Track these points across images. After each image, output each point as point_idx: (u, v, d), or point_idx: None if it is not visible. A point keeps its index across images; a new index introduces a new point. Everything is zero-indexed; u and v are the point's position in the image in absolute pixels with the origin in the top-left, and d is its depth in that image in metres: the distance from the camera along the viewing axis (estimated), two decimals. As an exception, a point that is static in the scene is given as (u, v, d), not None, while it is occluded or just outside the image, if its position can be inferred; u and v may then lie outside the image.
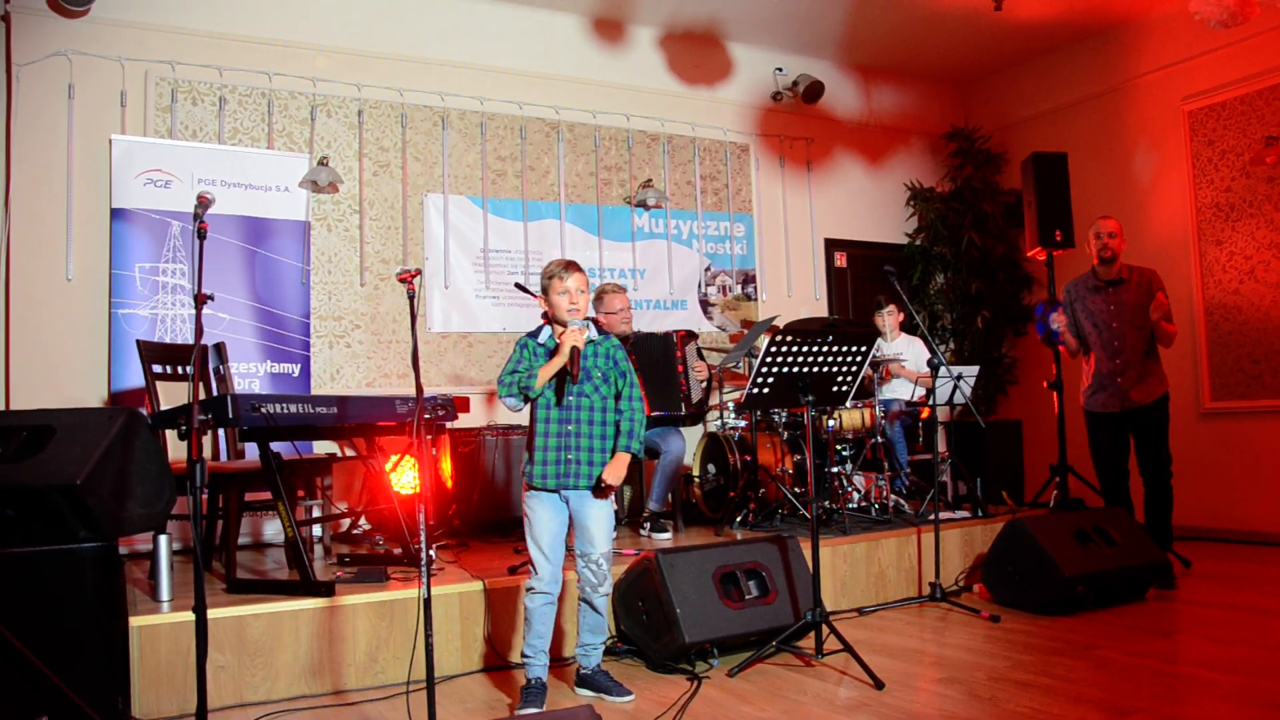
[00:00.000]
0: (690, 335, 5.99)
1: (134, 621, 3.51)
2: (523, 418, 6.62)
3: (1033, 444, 8.26)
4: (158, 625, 3.57)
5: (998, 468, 7.70)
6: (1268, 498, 6.70)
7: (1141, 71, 7.72)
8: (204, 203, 3.22)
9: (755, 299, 8.00)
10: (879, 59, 8.55)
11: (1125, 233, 5.64)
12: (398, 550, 4.89)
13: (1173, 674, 3.67)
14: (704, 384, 5.94)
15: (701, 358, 6.02)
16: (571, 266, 3.55)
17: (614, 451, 3.57)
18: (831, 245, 8.48)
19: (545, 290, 3.57)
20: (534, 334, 3.59)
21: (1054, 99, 8.43)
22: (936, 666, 3.89)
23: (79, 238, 5.75)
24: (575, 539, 3.60)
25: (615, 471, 3.54)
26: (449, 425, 5.74)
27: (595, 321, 3.65)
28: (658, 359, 5.78)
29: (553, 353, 3.48)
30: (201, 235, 3.16)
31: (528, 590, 3.53)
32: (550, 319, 3.59)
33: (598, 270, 7.31)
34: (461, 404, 5.23)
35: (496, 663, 4.09)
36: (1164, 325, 5.37)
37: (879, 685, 3.58)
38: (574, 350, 3.41)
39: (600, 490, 3.53)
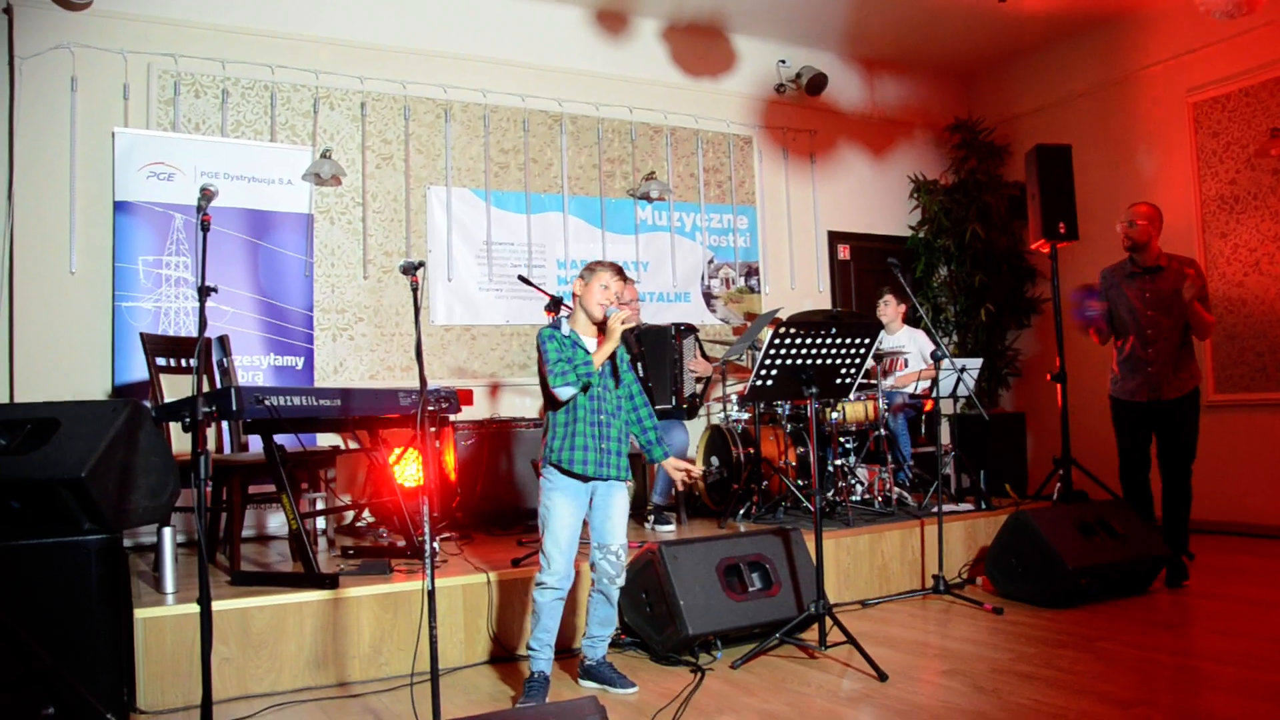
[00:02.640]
0: (689, 329, 5.98)
1: (139, 613, 3.53)
2: (526, 409, 6.68)
3: (1036, 436, 8.26)
4: (162, 617, 3.58)
5: (1001, 460, 7.70)
6: (1272, 490, 6.69)
7: (1146, 63, 7.70)
8: (207, 195, 3.21)
9: (758, 291, 7.99)
10: (883, 51, 8.53)
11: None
12: (401, 543, 4.90)
13: (1176, 666, 3.68)
14: (699, 380, 5.93)
15: (703, 354, 6.01)
16: (622, 275, 3.60)
17: (651, 461, 3.78)
18: (835, 238, 8.47)
19: (585, 279, 3.58)
20: (555, 327, 3.57)
21: (1058, 91, 8.41)
22: (940, 659, 3.90)
23: (82, 231, 5.75)
24: (593, 530, 3.61)
25: (687, 465, 3.77)
26: (452, 418, 5.76)
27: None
28: (659, 351, 5.78)
29: (577, 344, 3.53)
30: (205, 228, 3.16)
31: (538, 585, 3.50)
32: (579, 307, 3.60)
33: (601, 263, 7.30)
34: (465, 396, 5.24)
35: (500, 655, 4.10)
36: (1198, 307, 5.11)
37: (882, 677, 3.59)
38: (625, 333, 3.49)
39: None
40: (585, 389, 3.51)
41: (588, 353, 3.52)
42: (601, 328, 3.55)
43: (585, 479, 3.51)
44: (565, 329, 3.56)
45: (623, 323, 3.50)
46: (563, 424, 3.53)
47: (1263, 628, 4.21)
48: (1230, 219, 7.09)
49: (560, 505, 3.50)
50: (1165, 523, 5.27)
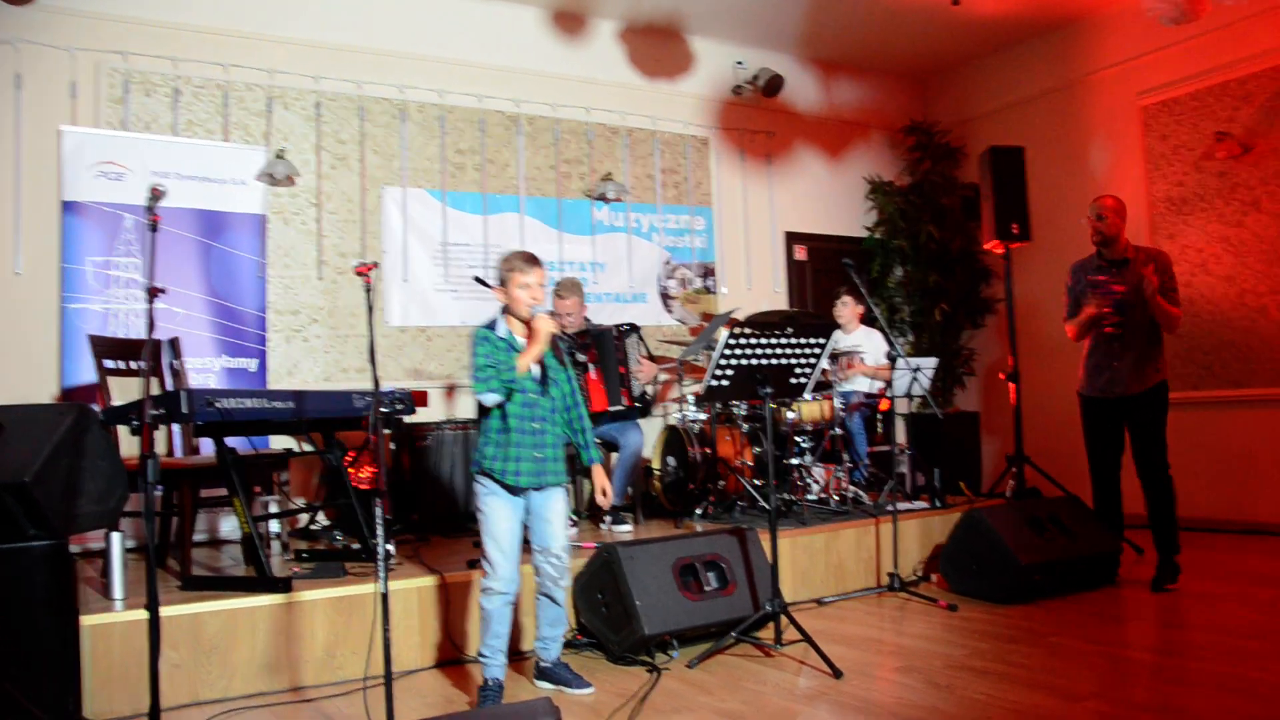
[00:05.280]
0: (631, 328, 5.95)
1: (86, 620, 3.46)
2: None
3: (990, 435, 8.35)
4: (110, 624, 3.52)
5: (956, 459, 7.76)
6: (1217, 487, 6.82)
7: (1097, 67, 7.82)
8: (156, 195, 3.17)
9: (715, 292, 8.02)
10: (839, 53, 8.59)
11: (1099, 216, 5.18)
12: (356, 545, 4.86)
13: (1124, 659, 3.74)
14: (644, 382, 5.91)
15: (648, 354, 5.99)
16: (534, 261, 3.49)
17: (580, 464, 3.75)
18: (791, 238, 8.52)
19: (504, 282, 3.49)
20: (490, 326, 3.51)
21: (1011, 94, 8.51)
22: (894, 655, 3.93)
23: (28, 231, 5.65)
24: (533, 535, 3.57)
25: (609, 486, 3.67)
26: (408, 419, 5.71)
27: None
28: (604, 353, 5.77)
29: (513, 346, 3.45)
30: (153, 228, 3.11)
31: (484, 591, 3.46)
32: (508, 311, 3.53)
33: (557, 264, 7.29)
34: (420, 398, 5.19)
35: (455, 657, 4.08)
36: (1160, 302, 4.93)
37: (837, 674, 3.61)
38: (551, 336, 3.41)
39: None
40: (510, 395, 3.43)
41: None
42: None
43: (520, 490, 3.49)
44: (501, 329, 3.50)
45: (554, 322, 3.44)
46: (496, 430, 3.47)
47: (1208, 619, 4.30)
48: (1178, 220, 7.21)
49: (498, 510, 3.46)
50: (1151, 522, 5.10)
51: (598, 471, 3.64)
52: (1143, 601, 4.76)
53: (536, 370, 3.48)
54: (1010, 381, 6.42)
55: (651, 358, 6.08)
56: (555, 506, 3.55)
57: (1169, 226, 7.25)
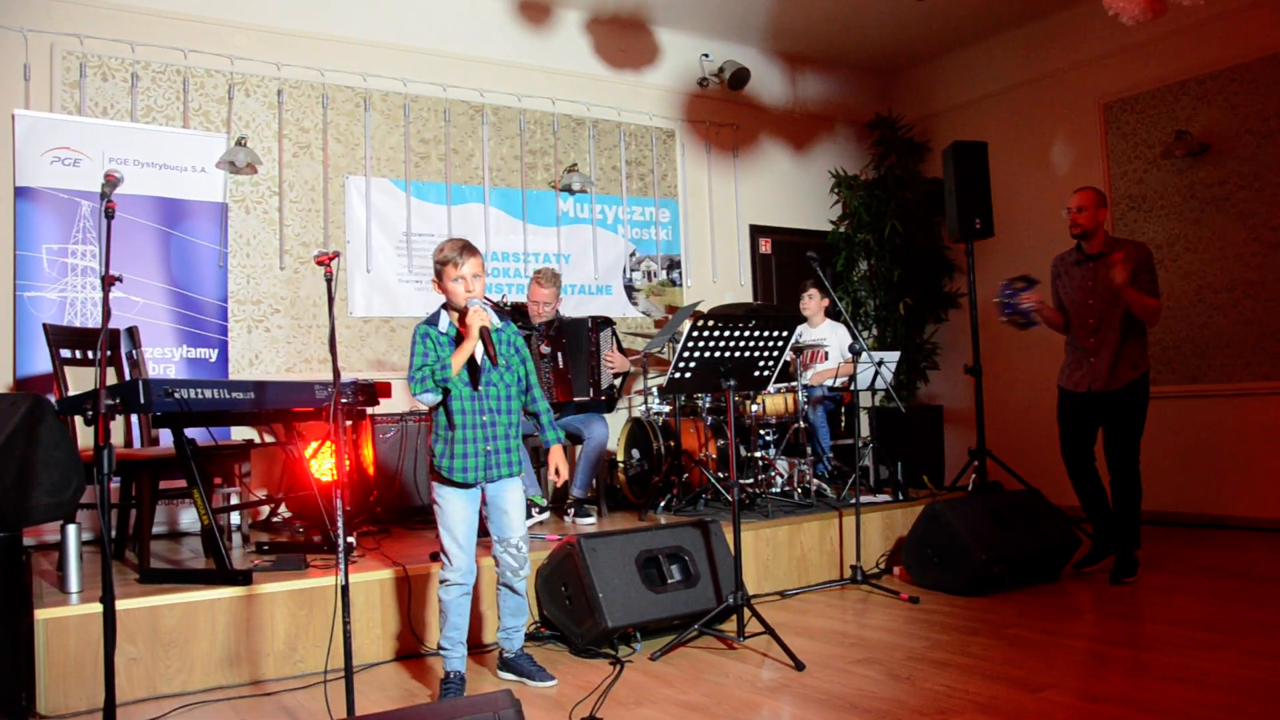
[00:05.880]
0: (605, 322, 5.95)
1: (40, 614, 3.41)
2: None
3: (953, 428, 8.42)
4: (65, 618, 3.46)
5: (918, 452, 7.83)
6: (1175, 481, 6.91)
7: (1060, 64, 7.89)
8: (111, 181, 3.12)
9: (680, 285, 8.02)
10: (805, 47, 8.61)
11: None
12: (318, 538, 4.82)
13: (1082, 650, 3.78)
14: (615, 374, 5.90)
15: (620, 348, 5.98)
16: (467, 250, 3.40)
17: (544, 447, 3.69)
18: (757, 231, 8.53)
19: (438, 275, 3.44)
20: (432, 322, 3.47)
21: (976, 89, 8.58)
22: (856, 648, 3.95)
23: (-18, 217, 5.54)
24: (491, 525, 3.56)
25: (564, 466, 3.62)
26: (371, 410, 5.68)
27: (499, 305, 3.57)
28: (577, 344, 5.76)
29: (456, 339, 3.43)
30: (109, 215, 3.07)
31: (442, 583, 3.46)
32: (447, 305, 3.49)
33: (522, 255, 7.26)
34: (383, 389, 5.17)
35: (417, 650, 4.06)
36: (1131, 293, 4.89)
37: (800, 667, 3.63)
38: (483, 331, 3.35)
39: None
40: (448, 393, 3.40)
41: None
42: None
43: (473, 485, 3.46)
44: (444, 324, 3.46)
45: (487, 315, 3.38)
46: (443, 428, 3.44)
47: (1165, 611, 4.35)
48: (1138, 217, 7.29)
49: (452, 502, 3.45)
50: (1114, 515, 5.14)
51: (555, 451, 3.63)
52: (1102, 594, 4.82)
53: (467, 370, 3.42)
54: (971, 375, 6.47)
55: (623, 352, 6.08)
56: (511, 497, 3.54)
57: (1129, 224, 7.33)
